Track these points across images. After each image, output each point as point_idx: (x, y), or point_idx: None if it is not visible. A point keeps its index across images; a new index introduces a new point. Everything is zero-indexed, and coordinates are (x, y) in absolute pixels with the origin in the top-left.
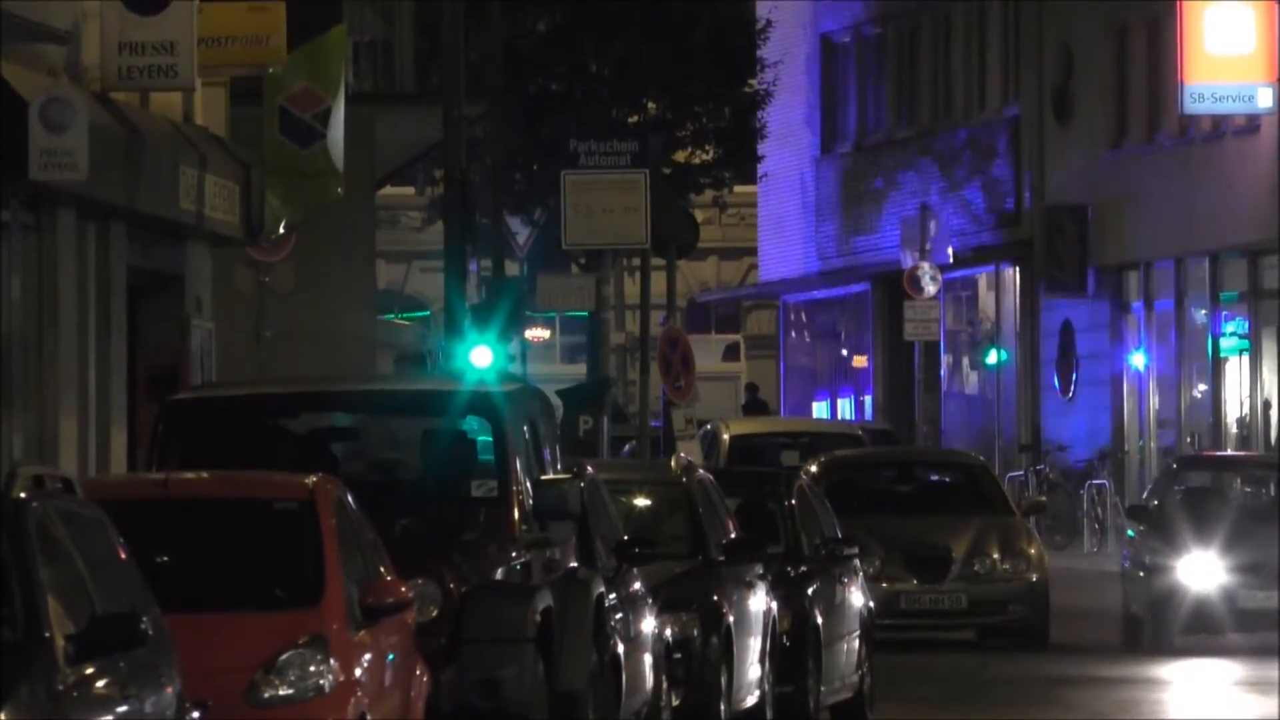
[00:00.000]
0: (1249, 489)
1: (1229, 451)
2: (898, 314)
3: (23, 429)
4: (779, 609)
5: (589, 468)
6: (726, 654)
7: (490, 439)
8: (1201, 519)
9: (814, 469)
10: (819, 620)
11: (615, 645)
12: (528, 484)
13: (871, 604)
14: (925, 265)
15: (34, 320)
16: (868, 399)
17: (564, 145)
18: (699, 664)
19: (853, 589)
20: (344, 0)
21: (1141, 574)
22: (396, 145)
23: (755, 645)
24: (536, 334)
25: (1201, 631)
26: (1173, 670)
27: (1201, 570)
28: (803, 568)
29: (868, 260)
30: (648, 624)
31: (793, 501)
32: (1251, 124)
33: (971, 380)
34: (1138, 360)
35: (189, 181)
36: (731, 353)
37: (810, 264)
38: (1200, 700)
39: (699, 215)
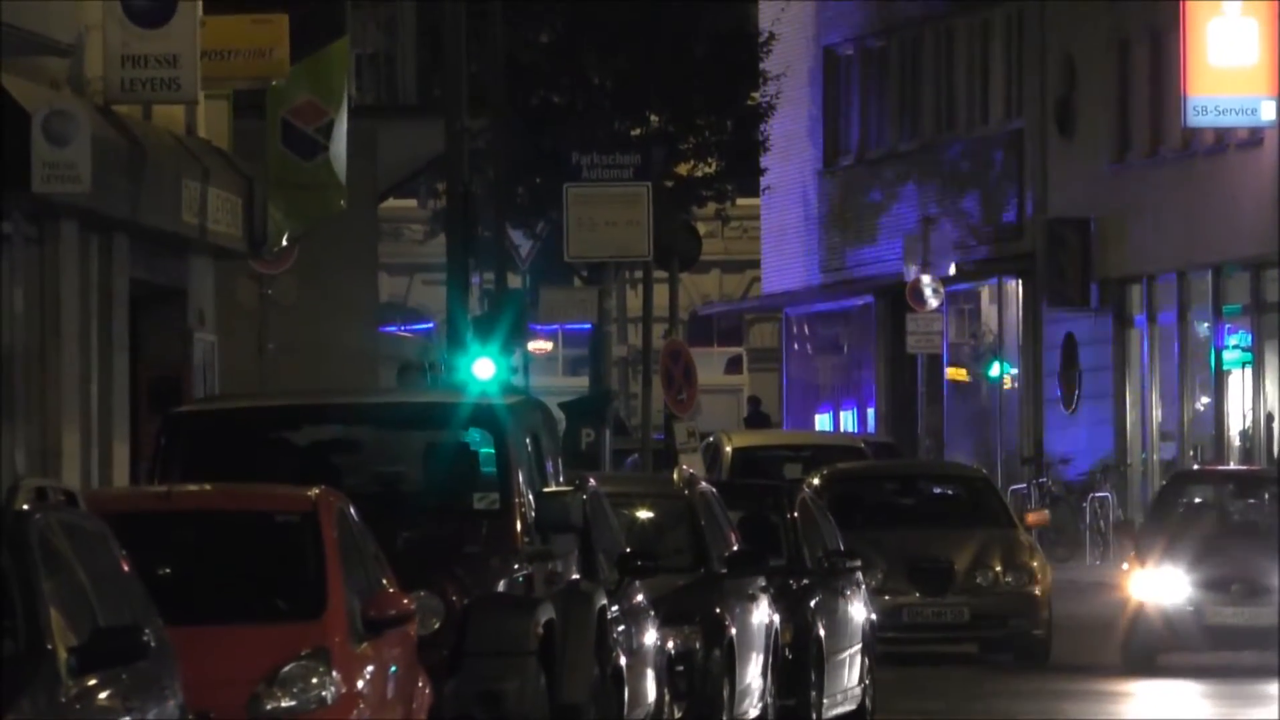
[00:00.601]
0: (1246, 503)
1: (1226, 466)
2: (900, 327)
3: (25, 441)
4: (781, 622)
5: (591, 480)
6: (729, 667)
7: (492, 451)
8: (1176, 534)
9: (816, 482)
10: (821, 633)
11: (617, 658)
12: (530, 496)
13: (874, 617)
14: (927, 278)
15: (36, 333)
16: (870, 411)
17: (566, 158)
18: (701, 677)
19: (855, 602)
20: (346, 13)
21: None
22: (399, 158)
23: (757, 658)
24: (539, 346)
25: (1171, 649)
26: (1172, 683)
27: (1168, 586)
28: (805, 580)
29: (870, 273)
30: (650, 637)
31: (795, 514)
32: (1254, 137)
33: (974, 393)
34: (1141, 375)
35: (191, 194)
36: (734, 365)
37: (813, 276)
38: (1199, 713)
39: (701, 228)
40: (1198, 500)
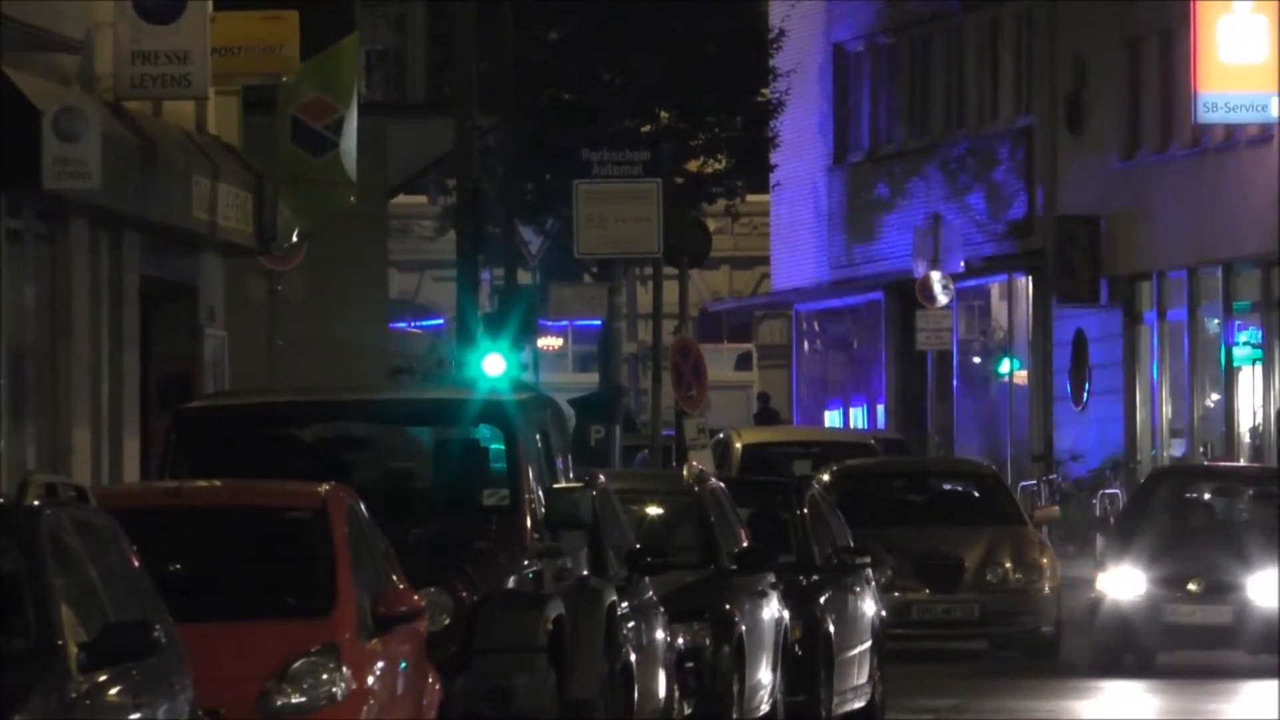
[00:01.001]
0: (1226, 500)
1: (1210, 463)
2: (910, 323)
3: (36, 438)
4: (790, 618)
5: (601, 477)
6: (738, 663)
7: (502, 448)
8: (1141, 531)
9: (826, 478)
10: (831, 630)
11: (627, 654)
12: (540, 492)
13: (883, 613)
14: (937, 274)
15: (47, 330)
16: (880, 408)
17: (576, 154)
18: (710, 673)
19: (864, 598)
20: (356, 10)
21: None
22: (409, 155)
23: (767, 655)
24: (549, 343)
25: (1130, 648)
26: (1176, 684)
27: (1128, 584)
28: (814, 577)
29: (880, 269)
30: (659, 633)
31: (804, 511)
32: (1264, 134)
33: (984, 390)
34: (1151, 372)
35: (202, 191)
36: (744, 362)
37: (822, 273)
38: (1204, 710)
39: (711, 224)
40: (1184, 496)
